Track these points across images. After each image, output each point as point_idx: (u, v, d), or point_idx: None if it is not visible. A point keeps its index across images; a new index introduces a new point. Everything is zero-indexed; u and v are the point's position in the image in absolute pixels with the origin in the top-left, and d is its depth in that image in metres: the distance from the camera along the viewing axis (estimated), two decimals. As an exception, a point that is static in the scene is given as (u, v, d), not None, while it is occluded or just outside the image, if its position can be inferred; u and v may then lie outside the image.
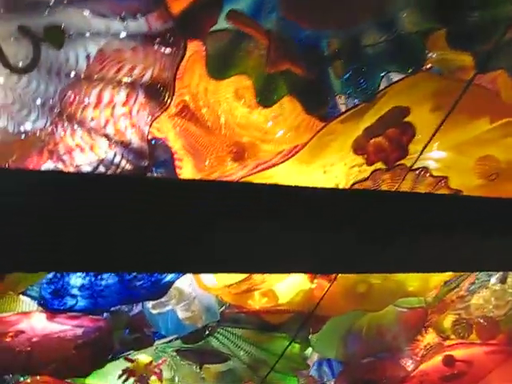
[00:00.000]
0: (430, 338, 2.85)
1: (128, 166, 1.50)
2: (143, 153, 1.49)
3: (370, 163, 1.67)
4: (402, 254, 1.60)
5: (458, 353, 2.94)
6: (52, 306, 1.96)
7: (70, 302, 2.00)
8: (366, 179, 1.72)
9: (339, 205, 1.64)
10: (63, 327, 2.14)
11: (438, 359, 2.96)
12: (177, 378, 2.66)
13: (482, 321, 2.74)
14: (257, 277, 2.07)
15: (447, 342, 2.88)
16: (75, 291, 2.01)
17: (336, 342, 2.59)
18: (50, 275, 1.97)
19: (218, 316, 2.15)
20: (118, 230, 0.89)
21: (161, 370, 2.48)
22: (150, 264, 1.01)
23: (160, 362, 2.52)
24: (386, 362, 2.91)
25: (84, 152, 1.49)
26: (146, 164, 1.50)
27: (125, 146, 1.48)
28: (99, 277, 2.04)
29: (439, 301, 2.52)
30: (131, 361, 2.43)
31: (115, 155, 1.50)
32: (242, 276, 2.08)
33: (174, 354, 2.52)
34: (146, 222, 0.91)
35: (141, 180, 1.30)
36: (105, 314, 2.11)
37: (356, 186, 1.72)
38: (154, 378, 2.52)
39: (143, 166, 1.50)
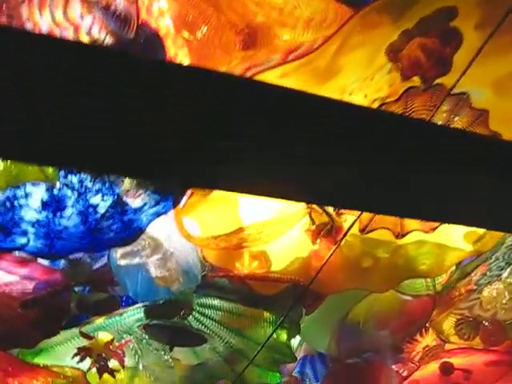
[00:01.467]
0: (429, 339, 2.54)
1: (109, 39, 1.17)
2: (129, 20, 1.17)
3: (404, 78, 1.38)
4: (427, 197, 1.34)
5: (457, 360, 2.63)
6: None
7: (20, 239, 1.63)
8: (397, 99, 1.42)
9: (361, 127, 1.35)
10: (8, 278, 1.76)
11: (434, 366, 2.64)
12: (141, 366, 2.28)
13: (488, 323, 2.44)
14: (250, 231, 1.74)
15: (447, 346, 2.57)
16: (27, 227, 1.64)
17: (329, 331, 2.24)
18: (-3, 202, 1.61)
19: (198, 279, 1.80)
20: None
21: (123, 353, 2.10)
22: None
23: (123, 342, 2.14)
24: (377, 366, 2.57)
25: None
26: (131, 37, 1.17)
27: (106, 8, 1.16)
28: (59, 213, 1.68)
29: (449, 290, 2.21)
30: (89, 337, 2.05)
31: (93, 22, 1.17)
32: (232, 227, 1.75)
33: (140, 333, 2.14)
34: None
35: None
36: (61, 264, 1.74)
37: (384, 108, 1.42)
38: (114, 361, 2.14)
39: (128, 40, 1.18)
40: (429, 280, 2.15)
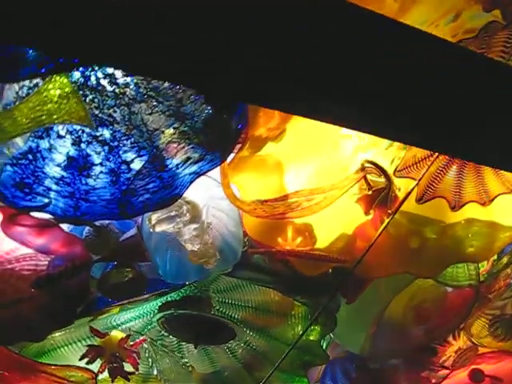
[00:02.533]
0: (461, 341, 2.35)
1: None
2: None
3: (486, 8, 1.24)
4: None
5: (488, 367, 2.45)
6: (13, 200, 1.36)
7: (42, 198, 1.41)
8: (474, 37, 1.29)
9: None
10: (20, 250, 1.52)
11: (463, 374, 2.44)
12: (155, 370, 2.02)
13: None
14: (297, 198, 1.55)
15: (480, 350, 2.39)
16: (50, 184, 1.42)
17: (365, 327, 2.04)
18: (18, 151, 1.39)
19: (238, 256, 1.58)
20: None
21: (138, 354, 1.85)
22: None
23: (137, 340, 1.89)
24: (405, 372, 2.36)
25: None
26: None
27: None
28: (85, 172, 1.46)
29: (493, 279, 2.05)
30: (101, 334, 1.80)
31: None
32: (278, 193, 1.56)
33: (157, 333, 1.90)
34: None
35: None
36: (85, 232, 1.51)
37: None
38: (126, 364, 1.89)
39: None
40: (472, 268, 1.99)
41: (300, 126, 1.49)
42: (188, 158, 1.42)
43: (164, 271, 1.61)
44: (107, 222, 1.52)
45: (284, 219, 1.57)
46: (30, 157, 1.39)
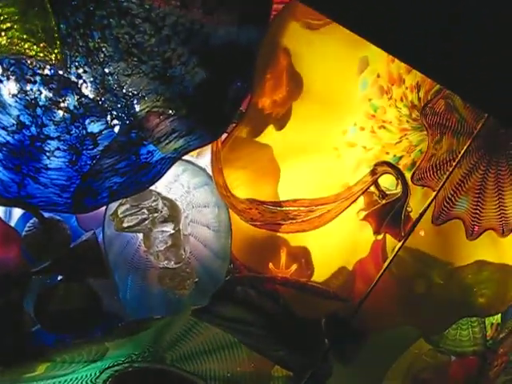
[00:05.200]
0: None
1: None
2: None
3: None
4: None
5: None
6: None
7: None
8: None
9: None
10: None
11: None
12: None
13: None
14: (295, 206, 1.27)
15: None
16: (-9, 147, 1.08)
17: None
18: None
19: (220, 281, 1.22)
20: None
21: None
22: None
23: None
24: None
25: None
26: None
27: None
28: (38, 144, 1.13)
29: (500, 342, 1.73)
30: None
31: None
32: (273, 197, 1.27)
33: None
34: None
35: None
36: (28, 228, 1.13)
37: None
38: None
39: None
40: (477, 330, 1.70)
41: (305, 114, 1.25)
42: (173, 131, 1.13)
43: (124, 297, 1.24)
44: (58, 217, 1.18)
45: (279, 232, 1.27)
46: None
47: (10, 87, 1.11)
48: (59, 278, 1.20)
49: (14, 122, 1.11)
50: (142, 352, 1.42)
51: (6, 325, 1.19)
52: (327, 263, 1.41)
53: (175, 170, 1.17)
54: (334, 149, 1.38)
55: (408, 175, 1.38)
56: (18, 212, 1.28)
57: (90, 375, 1.46)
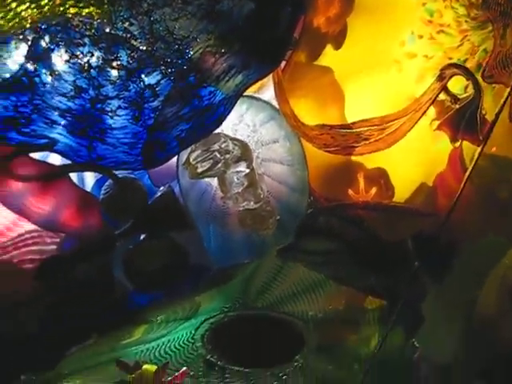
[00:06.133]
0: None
1: None
2: None
3: None
4: None
5: None
6: (5, 134, 1.00)
7: (44, 133, 1.05)
8: None
9: None
10: (19, 227, 1.13)
11: None
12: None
13: None
14: (367, 128, 1.23)
15: None
16: (54, 116, 1.07)
17: (457, 327, 1.60)
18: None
19: (301, 215, 1.20)
20: None
21: None
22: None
23: (178, 374, 1.42)
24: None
25: None
26: None
27: None
28: (99, 105, 1.12)
29: None
30: (129, 368, 1.35)
31: None
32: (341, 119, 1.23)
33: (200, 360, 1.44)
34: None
35: None
36: (104, 191, 1.13)
37: None
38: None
39: None
40: None
41: (361, 29, 1.20)
42: (230, 68, 1.10)
43: (209, 247, 1.23)
44: (132, 175, 1.17)
45: (354, 155, 1.24)
46: (26, 81, 1.06)
47: (61, 54, 1.11)
48: (142, 237, 1.20)
49: (72, 88, 1.10)
50: (233, 304, 1.41)
51: (97, 292, 1.19)
52: (407, 181, 1.37)
53: (238, 109, 1.13)
54: (394, 62, 1.32)
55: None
56: (90, 178, 1.28)
57: (187, 334, 1.46)
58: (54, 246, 1.15)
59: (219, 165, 1.15)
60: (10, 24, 1.02)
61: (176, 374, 1.43)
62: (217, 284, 1.31)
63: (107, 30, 1.11)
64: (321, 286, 1.49)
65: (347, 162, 1.31)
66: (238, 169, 1.17)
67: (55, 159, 1.14)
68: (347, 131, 1.21)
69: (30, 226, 1.13)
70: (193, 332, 1.44)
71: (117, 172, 1.15)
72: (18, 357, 1.17)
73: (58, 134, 1.06)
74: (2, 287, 1.15)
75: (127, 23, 1.11)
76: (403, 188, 1.38)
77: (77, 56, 1.10)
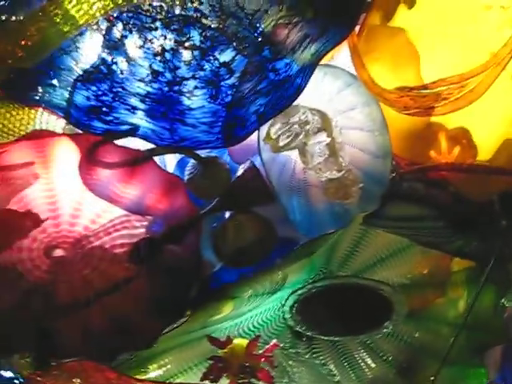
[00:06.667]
0: None
1: None
2: None
3: None
4: None
5: None
6: (90, 123, 1.02)
7: (126, 119, 1.07)
8: None
9: None
10: (108, 213, 1.16)
11: None
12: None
13: None
14: (446, 87, 1.20)
15: None
16: (135, 101, 1.09)
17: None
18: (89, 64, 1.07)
19: (385, 182, 1.19)
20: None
21: (271, 362, 1.40)
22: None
23: (268, 346, 1.44)
24: None
25: None
26: None
27: None
28: (176, 87, 1.13)
29: None
30: (222, 343, 1.37)
31: None
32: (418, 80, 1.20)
33: (289, 332, 1.45)
34: None
35: None
36: (188, 171, 1.15)
37: None
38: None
39: None
40: None
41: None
42: (305, 37, 1.08)
43: (294, 220, 1.23)
44: (213, 154, 1.18)
45: (435, 115, 1.21)
46: (105, 70, 1.07)
47: (135, 40, 1.12)
48: (228, 214, 1.21)
49: (148, 72, 1.11)
50: (317, 274, 1.41)
51: (187, 272, 1.22)
52: (489, 139, 1.33)
53: (313, 78, 1.11)
54: (470, 16, 1.27)
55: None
56: (171, 160, 1.29)
57: (275, 306, 1.48)
58: (143, 230, 1.18)
59: (300, 137, 1.14)
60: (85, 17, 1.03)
61: (266, 346, 1.46)
62: (304, 255, 1.31)
63: (177, 12, 1.12)
64: (405, 251, 1.47)
65: (428, 124, 1.28)
66: (319, 139, 1.16)
67: (136, 144, 1.16)
68: (427, 91, 1.19)
69: (118, 212, 1.17)
70: (281, 304, 1.45)
71: (199, 152, 1.16)
72: (114, 338, 1.21)
73: (139, 119, 1.08)
74: (97, 272, 1.19)
75: (197, 3, 1.11)
76: (486, 146, 1.34)
77: (150, 40, 1.11)
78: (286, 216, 1.20)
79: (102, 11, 1.05)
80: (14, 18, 1.02)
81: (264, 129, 1.15)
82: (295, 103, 1.12)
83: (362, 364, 1.63)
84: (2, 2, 1.00)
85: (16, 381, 1.30)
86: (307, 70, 1.07)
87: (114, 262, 1.20)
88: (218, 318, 1.42)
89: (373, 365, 1.61)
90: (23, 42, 0.97)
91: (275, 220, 1.20)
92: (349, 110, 1.22)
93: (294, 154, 1.24)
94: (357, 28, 1.11)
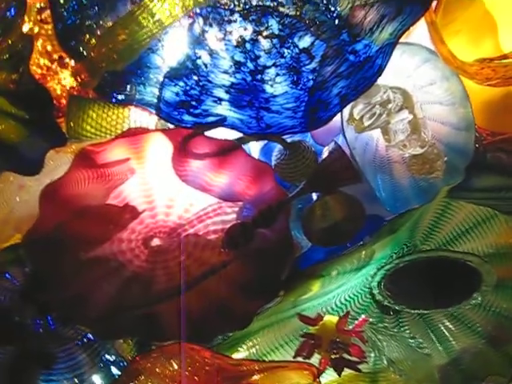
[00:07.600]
0: None
1: None
2: None
3: None
4: None
5: None
6: (181, 117, 1.07)
7: (214, 111, 1.11)
8: None
9: None
10: (200, 202, 1.21)
11: None
12: (385, 361, 1.58)
13: None
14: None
15: None
16: (220, 93, 1.13)
17: None
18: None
19: (469, 154, 1.19)
20: None
21: (362, 338, 1.43)
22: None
23: (359, 321, 1.47)
24: None
25: None
26: None
27: None
28: (259, 76, 1.16)
29: None
30: (312, 321, 1.41)
31: None
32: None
33: (378, 306, 1.47)
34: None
35: None
36: (276, 157, 1.19)
37: None
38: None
39: None
40: None
41: None
42: (382, 17, 1.10)
43: (380, 197, 1.25)
44: (298, 138, 1.21)
45: (515, 84, 1.20)
46: (190, 65, 1.12)
47: (216, 34, 1.15)
48: (315, 195, 1.24)
49: (231, 63, 1.15)
50: (402, 248, 1.43)
51: (279, 255, 1.25)
52: None
53: (392, 57, 1.13)
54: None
55: None
56: (255, 147, 1.33)
57: (362, 281, 1.50)
58: (234, 215, 1.23)
59: (383, 116, 1.16)
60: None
61: (356, 321, 1.49)
62: (391, 231, 1.33)
63: (255, 3, 1.15)
64: (489, 221, 1.46)
65: (509, 94, 1.27)
66: (401, 117, 1.17)
67: (223, 134, 1.20)
68: (507, 61, 1.18)
69: (210, 200, 1.22)
70: (368, 279, 1.48)
71: (284, 137, 1.19)
72: (212, 320, 1.26)
73: (226, 109, 1.12)
74: (192, 259, 1.25)
75: (273, -9, 1.14)
76: None
77: (230, 33, 1.15)
78: (373, 194, 1.23)
79: (185, 10, 1.09)
80: (101, 22, 1.09)
81: (346, 110, 1.17)
82: (376, 83, 1.14)
83: (449, 336, 1.64)
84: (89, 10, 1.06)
85: (120, 364, 1.40)
86: (386, 50, 1.08)
87: (207, 247, 1.25)
88: (307, 297, 1.46)
89: (461, 336, 1.61)
90: (115, 46, 1.02)
91: (362, 198, 1.22)
92: (428, 85, 1.23)
93: (375, 133, 1.26)
94: (433, 4, 1.12)
